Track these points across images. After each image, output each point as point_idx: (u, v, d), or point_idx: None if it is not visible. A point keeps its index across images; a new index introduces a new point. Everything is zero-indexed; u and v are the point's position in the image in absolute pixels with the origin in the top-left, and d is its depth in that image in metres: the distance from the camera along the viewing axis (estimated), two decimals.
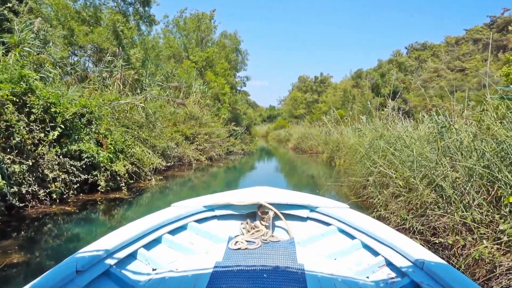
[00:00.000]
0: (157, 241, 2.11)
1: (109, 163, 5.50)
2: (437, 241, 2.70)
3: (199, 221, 2.43)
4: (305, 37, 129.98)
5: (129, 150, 6.34)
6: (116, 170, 5.55)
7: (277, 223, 2.50)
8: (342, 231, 2.29)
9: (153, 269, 1.87)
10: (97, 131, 5.67)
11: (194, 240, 2.27)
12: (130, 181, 5.80)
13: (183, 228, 2.34)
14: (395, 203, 4.22)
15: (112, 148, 5.68)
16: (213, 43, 22.43)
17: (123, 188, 5.64)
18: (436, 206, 3.06)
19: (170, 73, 15.07)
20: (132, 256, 1.87)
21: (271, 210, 2.39)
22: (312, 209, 2.47)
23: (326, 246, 2.21)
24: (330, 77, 40.66)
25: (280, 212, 2.40)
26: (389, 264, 1.82)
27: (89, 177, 5.28)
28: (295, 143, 19.15)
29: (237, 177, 9.47)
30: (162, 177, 7.42)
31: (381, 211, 4.01)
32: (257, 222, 2.44)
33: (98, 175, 5.34)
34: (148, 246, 2.00)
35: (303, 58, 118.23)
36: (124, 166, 5.76)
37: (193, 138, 10.86)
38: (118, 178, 5.67)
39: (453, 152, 3.19)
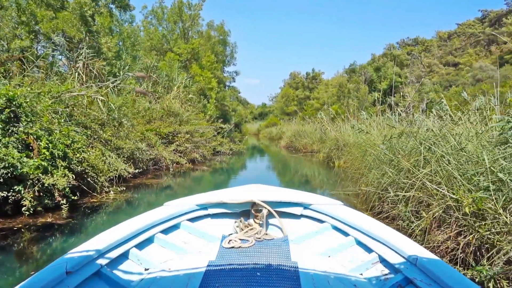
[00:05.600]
0: (149, 240, 2.06)
1: (41, 174, 4.04)
2: None
3: (192, 220, 2.39)
4: (296, 34, 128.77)
5: (78, 155, 4.87)
6: (52, 183, 4.08)
7: (271, 221, 2.47)
8: (336, 228, 2.26)
9: (146, 269, 1.83)
10: (26, 131, 4.20)
11: (187, 239, 2.24)
12: (73, 197, 4.33)
13: (176, 227, 2.30)
14: (442, 232, 2.92)
15: (47, 153, 4.21)
16: (199, 35, 20.86)
17: (63, 207, 4.19)
18: None
19: (151, 66, 13.51)
20: (124, 256, 1.83)
21: (265, 208, 2.36)
22: (306, 206, 2.43)
23: (320, 244, 2.18)
24: (321, 73, 39.51)
25: (274, 210, 2.36)
26: (383, 260, 1.80)
27: (9, 194, 3.82)
28: (288, 141, 17.92)
29: (223, 183, 8.07)
30: (126, 188, 5.97)
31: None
32: (251, 220, 2.43)
33: (22, 192, 3.87)
34: (140, 246, 1.96)
35: (294, 55, 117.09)
36: (65, 176, 4.29)
37: (172, 138, 9.40)
38: (57, 194, 4.22)
39: None
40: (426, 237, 3.03)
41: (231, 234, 2.29)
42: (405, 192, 3.30)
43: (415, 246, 1.67)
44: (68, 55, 8.06)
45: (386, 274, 1.73)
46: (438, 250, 2.91)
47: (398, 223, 3.53)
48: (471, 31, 47.00)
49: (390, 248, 1.76)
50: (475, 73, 34.53)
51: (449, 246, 2.75)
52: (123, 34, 14.01)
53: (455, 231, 2.82)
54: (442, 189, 2.62)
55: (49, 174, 4.17)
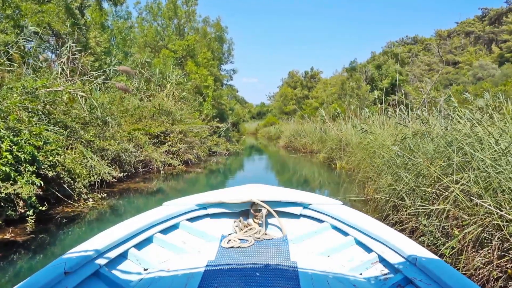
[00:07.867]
0: (148, 240, 2.04)
1: (0, 182, 3.45)
2: None
3: (191, 219, 2.38)
4: (295, 33, 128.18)
5: (51, 158, 4.29)
6: (13, 192, 3.50)
7: (270, 220, 2.46)
8: (335, 228, 2.24)
9: (144, 269, 1.83)
10: None
11: (186, 239, 2.23)
12: (41, 207, 3.74)
13: (175, 227, 2.28)
14: (480, 254, 2.36)
15: (10, 157, 3.62)
16: (195, 31, 20.26)
17: (29, 219, 3.60)
18: None
19: (142, 62, 12.91)
20: (123, 256, 1.82)
21: (264, 207, 2.35)
22: (305, 206, 2.42)
23: (319, 243, 2.17)
24: (320, 72, 39.04)
25: (273, 210, 2.35)
26: (382, 260, 1.79)
27: None
28: (287, 141, 17.36)
29: (218, 186, 7.50)
30: (110, 193, 5.40)
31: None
32: (250, 220, 2.43)
33: None
34: (139, 246, 1.94)
35: (293, 54, 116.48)
36: (31, 183, 3.70)
37: (164, 138, 8.81)
38: (21, 204, 3.63)
39: None
40: (459, 259, 2.48)
41: (230, 234, 2.27)
42: (429, 203, 2.74)
43: (415, 246, 1.65)
44: (51, 48, 7.42)
45: (385, 274, 1.71)
46: (477, 278, 2.37)
47: (421, 239, 2.98)
48: (471, 29, 46.58)
49: (390, 248, 1.74)
50: (476, 72, 34.12)
51: (493, 274, 2.20)
52: (114, 29, 13.42)
53: (499, 256, 2.27)
54: (488, 204, 2.06)
55: (11, 181, 3.58)
